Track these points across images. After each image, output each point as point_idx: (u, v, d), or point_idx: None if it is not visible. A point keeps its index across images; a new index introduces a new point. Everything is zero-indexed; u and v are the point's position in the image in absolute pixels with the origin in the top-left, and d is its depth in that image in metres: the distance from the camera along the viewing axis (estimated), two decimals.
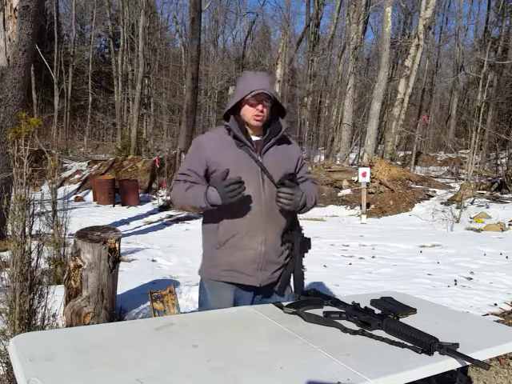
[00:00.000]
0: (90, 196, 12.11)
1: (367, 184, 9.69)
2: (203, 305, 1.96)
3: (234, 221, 1.85)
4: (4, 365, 2.32)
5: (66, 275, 2.98)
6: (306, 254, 1.98)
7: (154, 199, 11.61)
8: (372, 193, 10.35)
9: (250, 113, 1.87)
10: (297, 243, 1.94)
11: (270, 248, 1.88)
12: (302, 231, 1.98)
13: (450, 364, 1.37)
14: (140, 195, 11.58)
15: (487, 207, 8.98)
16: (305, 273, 1.96)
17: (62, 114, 22.52)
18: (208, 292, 1.95)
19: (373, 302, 1.83)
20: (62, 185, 12.86)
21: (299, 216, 2.01)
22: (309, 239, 1.97)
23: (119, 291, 3.33)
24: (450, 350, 1.37)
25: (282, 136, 1.96)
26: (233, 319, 1.67)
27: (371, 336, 1.49)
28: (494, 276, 4.91)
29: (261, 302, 1.94)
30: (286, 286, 1.98)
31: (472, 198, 9.39)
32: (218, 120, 24.76)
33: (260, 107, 1.85)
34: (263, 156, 1.90)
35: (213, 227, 1.91)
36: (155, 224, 8.42)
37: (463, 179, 12.17)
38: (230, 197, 1.73)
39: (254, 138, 1.92)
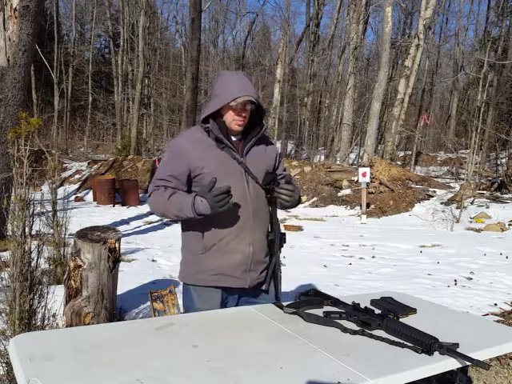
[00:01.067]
0: (90, 196, 12.11)
1: (367, 184, 9.68)
2: (189, 310, 1.92)
3: (222, 225, 1.83)
4: (4, 365, 2.33)
5: (65, 275, 2.98)
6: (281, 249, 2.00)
7: None
8: (372, 193, 10.35)
9: (231, 117, 1.83)
10: (277, 239, 1.94)
11: (257, 249, 1.88)
12: (280, 227, 2.00)
13: (450, 364, 1.37)
14: (140, 195, 11.57)
15: (487, 207, 8.98)
16: (282, 269, 1.99)
17: (62, 114, 22.52)
18: (195, 297, 1.90)
19: (373, 301, 1.82)
20: (62, 185, 12.86)
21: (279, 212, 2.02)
22: (284, 234, 1.99)
23: (119, 291, 3.33)
24: (450, 350, 1.37)
25: (262, 135, 1.96)
26: (233, 319, 1.67)
27: (371, 336, 1.49)
28: (494, 276, 4.91)
29: (247, 302, 1.92)
30: (270, 283, 1.98)
31: (472, 198, 9.39)
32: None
33: (244, 114, 1.82)
34: (245, 157, 1.88)
35: (196, 232, 1.86)
36: (155, 224, 8.42)
37: (463, 179, 12.17)
38: (220, 206, 1.70)
39: (234, 139, 1.90)
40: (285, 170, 2.14)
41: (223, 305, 1.90)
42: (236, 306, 1.92)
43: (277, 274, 1.95)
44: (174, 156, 1.87)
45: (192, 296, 1.92)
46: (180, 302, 3.38)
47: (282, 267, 2.06)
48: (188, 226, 1.91)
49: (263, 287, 1.95)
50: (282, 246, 1.98)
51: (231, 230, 1.83)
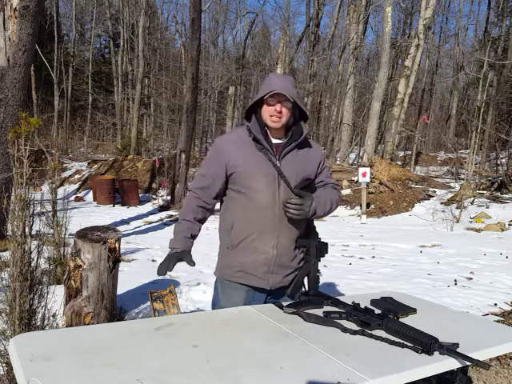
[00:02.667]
0: (90, 196, 12.11)
1: (367, 184, 9.69)
2: (215, 305, 1.98)
3: (248, 223, 1.87)
4: (4, 365, 2.32)
5: (65, 275, 2.98)
6: (321, 259, 1.98)
7: (154, 199, 11.61)
8: (372, 193, 10.35)
9: (267, 112, 1.86)
10: (312, 248, 1.93)
11: (282, 252, 1.88)
12: (319, 236, 1.98)
13: (450, 364, 1.37)
14: (140, 195, 11.58)
15: (487, 207, 8.98)
16: (320, 277, 1.96)
17: (62, 114, 22.51)
18: (220, 292, 1.97)
19: (373, 302, 1.83)
20: (62, 185, 12.86)
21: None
22: (326, 244, 1.97)
23: (119, 291, 3.33)
24: (450, 350, 1.37)
25: (304, 140, 1.94)
26: (233, 319, 1.67)
27: (371, 336, 1.49)
28: (494, 276, 4.91)
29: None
30: (299, 290, 1.97)
31: (472, 198, 9.39)
32: (219, 120, 24.77)
33: (278, 107, 1.83)
34: (282, 160, 1.88)
35: (227, 228, 1.92)
36: (155, 224, 8.42)
37: (463, 179, 12.17)
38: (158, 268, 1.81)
39: (275, 141, 1.91)
40: (329, 177, 2.11)
41: (248, 303, 1.91)
42: None
43: (310, 282, 1.93)
44: (214, 155, 1.95)
45: (218, 290, 1.98)
46: (180, 302, 3.38)
47: None
48: (222, 221, 1.99)
49: (287, 292, 1.96)
50: (323, 256, 1.96)
51: (256, 229, 1.86)
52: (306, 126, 1.97)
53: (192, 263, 1.81)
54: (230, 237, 1.91)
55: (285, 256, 1.90)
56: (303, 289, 1.99)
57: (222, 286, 1.97)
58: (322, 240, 1.97)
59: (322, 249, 1.96)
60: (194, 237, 1.91)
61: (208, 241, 7.09)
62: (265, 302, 1.95)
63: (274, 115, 1.84)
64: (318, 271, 1.94)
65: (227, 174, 1.90)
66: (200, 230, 1.94)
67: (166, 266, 1.78)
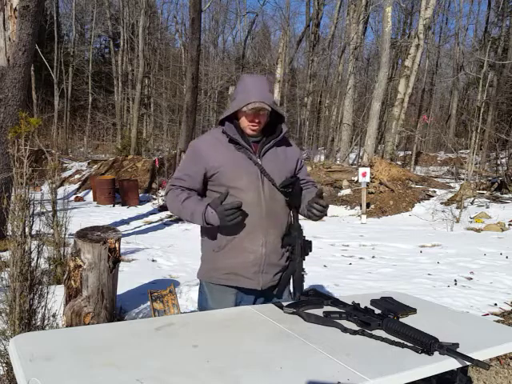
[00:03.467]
0: (90, 196, 12.11)
1: (367, 184, 9.68)
2: (204, 308, 1.95)
3: (235, 224, 1.83)
4: (4, 365, 2.33)
5: (65, 275, 2.98)
6: (306, 257, 1.96)
7: (154, 199, 11.61)
8: (372, 193, 10.35)
9: (245, 123, 1.86)
10: (297, 246, 1.93)
11: (270, 250, 1.88)
12: (303, 233, 1.97)
13: (450, 364, 1.37)
14: (140, 195, 11.58)
15: (487, 207, 8.98)
16: (304, 276, 1.95)
17: (62, 114, 22.51)
18: (208, 295, 1.93)
19: (373, 302, 1.83)
20: (62, 185, 12.86)
21: (300, 217, 2.01)
22: (310, 242, 1.96)
23: (119, 291, 3.33)
24: (450, 350, 1.37)
25: (283, 138, 1.95)
26: (233, 319, 1.67)
27: (371, 336, 1.49)
28: (494, 276, 4.91)
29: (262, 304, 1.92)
30: (285, 289, 1.97)
31: (472, 198, 9.39)
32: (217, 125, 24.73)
33: (256, 120, 1.83)
34: (262, 158, 1.88)
35: (212, 230, 1.89)
36: (155, 224, 8.42)
37: (463, 179, 12.17)
38: (229, 220, 1.74)
39: (252, 140, 1.90)
40: (308, 174, 2.13)
41: (237, 305, 1.90)
42: None
43: (296, 280, 1.92)
44: (191, 156, 1.92)
45: (206, 293, 1.94)
46: (180, 302, 3.38)
47: None
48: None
49: (275, 291, 1.95)
50: (307, 254, 1.95)
51: (244, 229, 1.84)
52: (284, 125, 1.96)
53: (226, 192, 1.77)
54: (215, 239, 1.88)
55: (273, 254, 1.89)
56: (290, 287, 1.98)
57: (209, 289, 1.93)
58: (306, 238, 1.96)
59: (307, 247, 1.95)
60: (202, 200, 1.87)
61: None
62: (254, 303, 1.93)
63: (252, 125, 1.84)
64: (303, 270, 1.93)
65: (206, 176, 1.88)
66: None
67: (231, 217, 1.73)
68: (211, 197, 1.90)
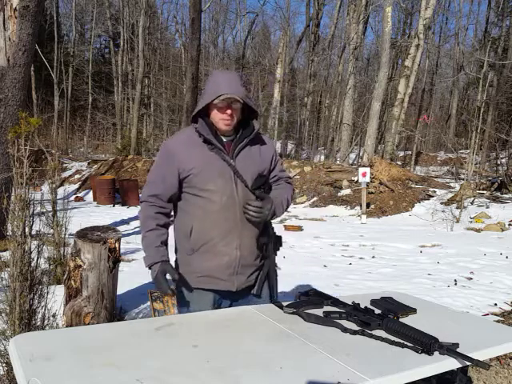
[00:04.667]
0: (90, 196, 12.11)
1: (367, 184, 9.68)
2: (182, 311, 1.92)
3: (208, 226, 1.81)
4: (4, 365, 2.32)
5: (65, 275, 2.98)
6: (277, 252, 1.98)
7: None
8: (372, 193, 10.35)
9: (218, 117, 1.80)
10: (271, 243, 1.92)
11: (245, 252, 1.85)
12: (274, 230, 1.96)
13: (450, 364, 1.37)
14: (140, 195, 11.57)
15: (487, 207, 8.98)
16: (278, 271, 1.96)
17: (62, 114, 22.51)
18: (186, 298, 1.90)
19: (373, 302, 1.83)
20: (62, 185, 12.86)
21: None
22: (280, 237, 1.96)
23: (119, 291, 3.32)
24: (450, 350, 1.37)
25: (255, 135, 1.90)
26: (233, 319, 1.67)
27: (371, 336, 1.49)
28: (494, 276, 4.91)
29: (239, 305, 1.91)
30: (263, 287, 1.95)
31: (472, 198, 9.39)
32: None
33: (229, 111, 1.78)
34: (235, 158, 1.83)
35: (185, 233, 1.85)
36: None
37: (463, 179, 12.17)
38: (156, 287, 1.82)
39: (225, 139, 1.86)
40: (284, 170, 2.09)
41: (215, 306, 1.89)
42: None
43: (272, 277, 1.93)
44: (164, 158, 1.87)
45: (184, 297, 1.91)
46: None
47: (282, 267, 2.05)
48: (177, 226, 1.92)
49: (253, 291, 1.92)
50: (278, 249, 1.95)
51: (218, 233, 1.81)
52: (256, 123, 1.91)
53: (176, 275, 1.78)
54: (189, 242, 1.84)
55: (248, 255, 1.87)
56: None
57: (187, 292, 1.89)
58: (276, 234, 1.96)
59: (278, 243, 1.95)
60: (164, 243, 1.84)
61: None
62: (231, 304, 1.92)
63: (225, 119, 1.79)
64: (276, 265, 1.94)
65: (180, 178, 1.83)
66: (168, 235, 1.87)
67: (163, 287, 1.77)
68: (187, 200, 1.86)
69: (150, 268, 1.81)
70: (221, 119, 1.80)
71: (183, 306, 1.92)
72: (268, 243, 1.92)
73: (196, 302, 1.87)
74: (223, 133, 1.86)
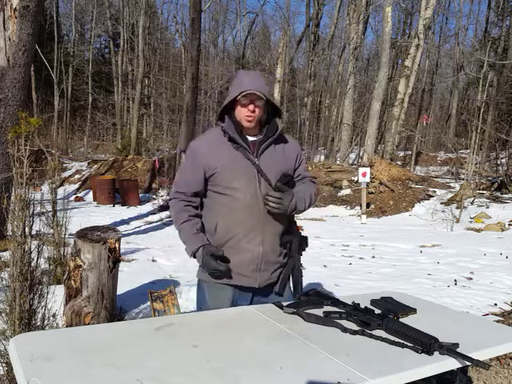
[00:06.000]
0: (90, 196, 12.10)
1: (367, 184, 9.68)
2: (201, 306, 1.96)
3: (232, 223, 1.86)
4: (4, 365, 2.32)
5: (65, 275, 2.98)
6: (303, 253, 1.98)
7: (154, 199, 11.61)
8: (372, 193, 10.35)
9: (241, 113, 1.86)
10: (295, 242, 1.94)
11: (268, 249, 1.89)
12: (300, 230, 1.98)
13: (450, 364, 1.37)
14: (140, 195, 11.57)
15: (487, 207, 8.98)
16: (303, 271, 1.97)
17: (62, 114, 22.50)
18: (206, 293, 1.95)
19: (373, 302, 1.83)
20: (62, 185, 12.85)
21: (297, 215, 2.01)
22: (306, 237, 1.98)
23: (119, 291, 3.33)
24: (450, 350, 1.37)
25: (280, 135, 1.96)
26: (233, 319, 1.67)
27: (371, 336, 1.49)
28: (494, 276, 4.91)
29: (260, 302, 1.93)
30: (286, 286, 1.98)
31: (472, 198, 9.39)
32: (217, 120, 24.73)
33: (251, 107, 1.84)
34: (260, 157, 1.89)
35: (210, 230, 1.91)
36: (155, 224, 8.42)
37: (463, 179, 12.17)
38: (208, 272, 1.83)
39: (250, 139, 1.91)
40: (306, 170, 2.13)
41: (234, 303, 1.91)
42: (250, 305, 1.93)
43: (296, 276, 1.94)
44: (190, 157, 1.94)
45: (204, 292, 1.96)
46: (180, 302, 3.38)
47: None
48: (203, 222, 1.96)
49: (275, 289, 1.95)
50: (304, 250, 1.97)
51: (241, 230, 1.85)
52: (280, 122, 1.97)
53: (221, 251, 1.82)
54: (213, 238, 1.89)
55: (271, 252, 1.90)
56: (289, 284, 2.00)
57: (207, 287, 1.95)
58: (302, 234, 1.98)
59: (303, 243, 1.97)
60: (201, 230, 1.90)
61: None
62: (251, 301, 1.94)
63: (247, 115, 1.85)
64: (301, 265, 1.95)
65: (206, 177, 1.89)
66: (201, 224, 1.93)
67: (215, 266, 1.79)
68: (212, 197, 1.91)
69: (194, 257, 1.85)
70: (244, 115, 1.86)
71: (201, 300, 1.97)
72: (292, 242, 1.94)
73: (215, 298, 1.91)
74: (247, 131, 1.91)
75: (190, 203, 1.92)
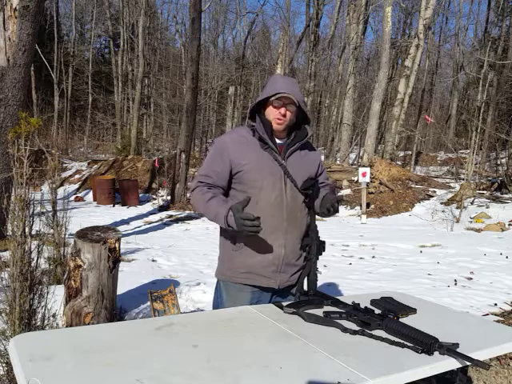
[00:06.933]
0: (90, 196, 12.11)
1: (367, 184, 9.68)
2: (219, 307, 1.96)
3: None
4: (4, 365, 2.32)
5: (65, 275, 2.98)
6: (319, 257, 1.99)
7: (154, 199, 11.62)
8: (372, 193, 10.35)
9: (272, 114, 1.86)
10: (314, 246, 1.94)
11: (289, 251, 1.89)
12: (319, 234, 1.99)
13: (450, 364, 1.37)
14: (140, 195, 11.58)
15: (487, 207, 8.98)
16: (318, 275, 1.97)
17: (62, 114, 22.52)
18: (224, 294, 1.95)
19: (373, 302, 1.83)
20: (62, 185, 12.86)
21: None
22: (324, 242, 1.99)
23: (119, 291, 3.33)
24: (450, 350, 1.37)
25: (306, 142, 1.98)
26: (233, 319, 1.67)
27: (371, 336, 1.49)
28: (494, 276, 4.91)
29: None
30: (302, 288, 1.98)
31: (472, 198, 9.39)
32: (219, 120, 24.76)
33: (282, 110, 1.84)
34: (287, 160, 1.90)
35: (232, 230, 1.86)
36: (155, 224, 8.42)
37: (463, 179, 12.17)
38: (246, 230, 1.71)
39: (278, 141, 1.92)
40: (328, 178, 2.15)
41: (253, 304, 1.90)
42: None
43: (312, 280, 1.94)
44: (217, 152, 1.91)
45: (221, 292, 1.96)
46: (180, 302, 3.38)
47: None
48: None
49: (293, 291, 1.96)
50: (321, 254, 1.97)
51: (264, 230, 1.81)
52: (309, 129, 1.99)
53: (247, 199, 1.76)
54: (235, 238, 1.89)
55: (292, 255, 1.91)
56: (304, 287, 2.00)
57: (226, 288, 1.94)
58: (320, 238, 1.99)
59: (321, 247, 1.98)
60: (226, 202, 1.86)
61: (208, 241, 7.07)
62: (270, 301, 1.95)
63: (278, 118, 1.85)
64: (317, 269, 1.96)
65: (232, 173, 1.89)
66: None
67: (247, 216, 1.68)
68: (234, 196, 1.91)
69: (228, 226, 1.77)
70: (274, 117, 1.86)
71: (219, 301, 1.96)
72: (311, 245, 1.94)
73: (234, 298, 1.91)
74: (277, 134, 1.91)
75: (212, 187, 1.89)
